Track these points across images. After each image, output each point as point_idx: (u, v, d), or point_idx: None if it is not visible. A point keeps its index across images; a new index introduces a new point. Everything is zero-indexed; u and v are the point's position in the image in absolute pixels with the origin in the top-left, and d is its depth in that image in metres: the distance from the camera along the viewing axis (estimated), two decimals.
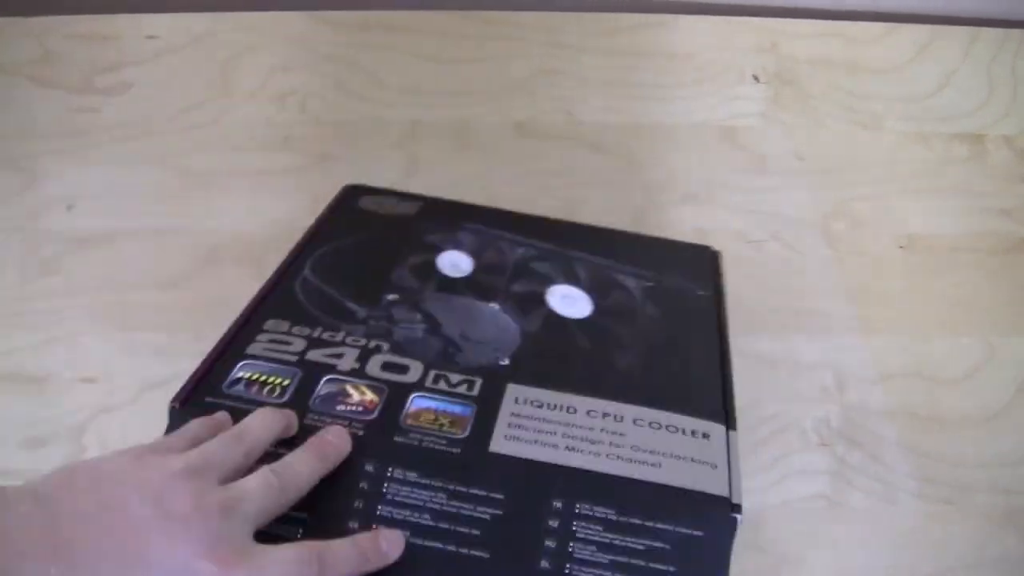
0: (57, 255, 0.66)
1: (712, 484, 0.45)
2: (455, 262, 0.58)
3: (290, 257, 0.58)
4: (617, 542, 0.43)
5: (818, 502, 0.59)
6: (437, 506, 0.43)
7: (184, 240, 0.67)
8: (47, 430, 0.59)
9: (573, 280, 0.58)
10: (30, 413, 0.58)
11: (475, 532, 0.43)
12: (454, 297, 0.55)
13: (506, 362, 0.51)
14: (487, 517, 0.43)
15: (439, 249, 0.59)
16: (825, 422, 0.62)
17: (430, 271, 0.57)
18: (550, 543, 0.43)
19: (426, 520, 0.43)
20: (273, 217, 0.68)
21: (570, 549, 0.43)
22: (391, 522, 0.43)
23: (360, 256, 0.58)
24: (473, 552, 0.42)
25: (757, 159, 0.75)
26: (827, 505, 0.59)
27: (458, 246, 0.59)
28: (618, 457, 0.46)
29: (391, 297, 0.54)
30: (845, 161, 0.75)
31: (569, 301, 0.56)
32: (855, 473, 0.60)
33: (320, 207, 0.63)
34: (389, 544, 0.41)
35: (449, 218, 0.62)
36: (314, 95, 0.76)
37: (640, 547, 0.43)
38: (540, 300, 0.56)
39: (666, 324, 0.56)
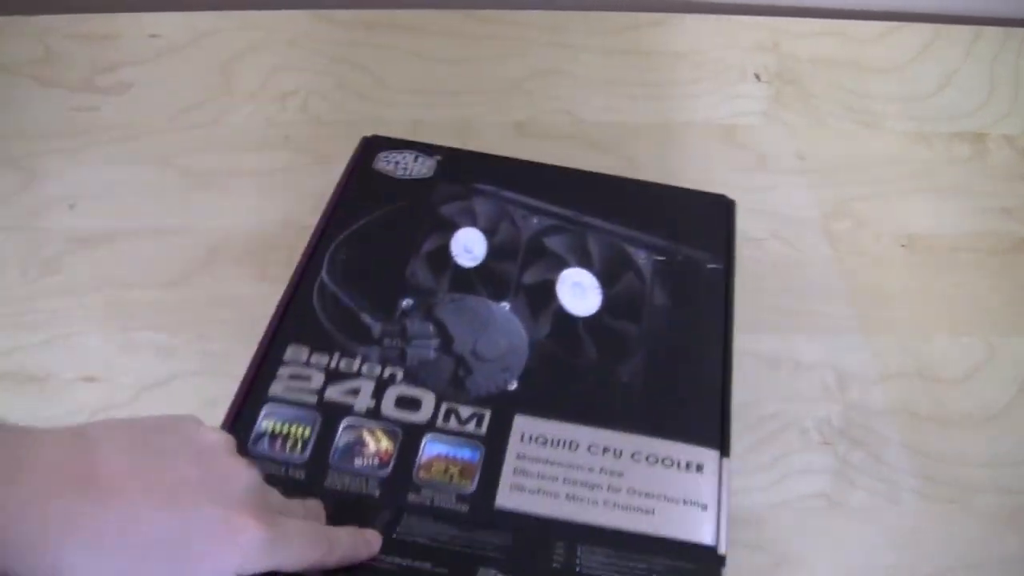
0: (58, 254, 0.66)
1: (701, 532, 0.49)
2: (468, 246, 0.58)
3: (310, 248, 0.58)
4: (619, 562, 0.47)
5: (819, 501, 0.59)
6: (449, 536, 0.47)
7: (185, 240, 0.68)
8: None
9: (585, 261, 0.58)
10: (31, 413, 0.58)
11: (489, 546, 0.47)
12: (466, 299, 0.56)
13: (514, 386, 0.53)
14: (497, 542, 0.47)
15: (454, 226, 0.59)
16: (826, 421, 0.62)
17: (444, 261, 0.58)
18: (558, 557, 0.47)
19: (441, 537, 0.47)
20: (274, 217, 0.68)
21: (577, 562, 0.47)
22: (409, 537, 0.47)
23: (376, 246, 0.59)
24: (488, 554, 0.46)
25: (758, 158, 0.75)
26: (828, 504, 0.59)
27: (472, 219, 0.60)
28: (615, 505, 0.49)
29: (405, 304, 0.56)
30: (846, 160, 0.75)
31: (579, 291, 0.57)
32: (856, 472, 0.60)
33: (321, 207, 0.63)
34: (373, 537, 0.46)
35: (464, 179, 0.62)
36: (315, 94, 0.76)
37: (640, 568, 0.47)
38: (550, 292, 0.57)
39: (674, 318, 0.57)
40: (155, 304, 0.64)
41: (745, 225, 0.71)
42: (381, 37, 0.80)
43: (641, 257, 0.59)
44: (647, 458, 0.51)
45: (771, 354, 0.64)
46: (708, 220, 0.63)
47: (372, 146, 0.64)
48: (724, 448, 0.52)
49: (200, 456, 0.37)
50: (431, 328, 0.55)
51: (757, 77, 0.79)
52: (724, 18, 0.83)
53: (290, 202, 0.68)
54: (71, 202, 0.69)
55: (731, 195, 0.72)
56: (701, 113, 0.77)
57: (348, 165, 0.63)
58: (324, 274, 0.56)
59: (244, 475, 0.38)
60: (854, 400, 0.63)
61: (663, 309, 0.57)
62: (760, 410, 0.62)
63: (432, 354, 0.54)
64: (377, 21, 0.81)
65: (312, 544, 0.40)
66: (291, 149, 0.72)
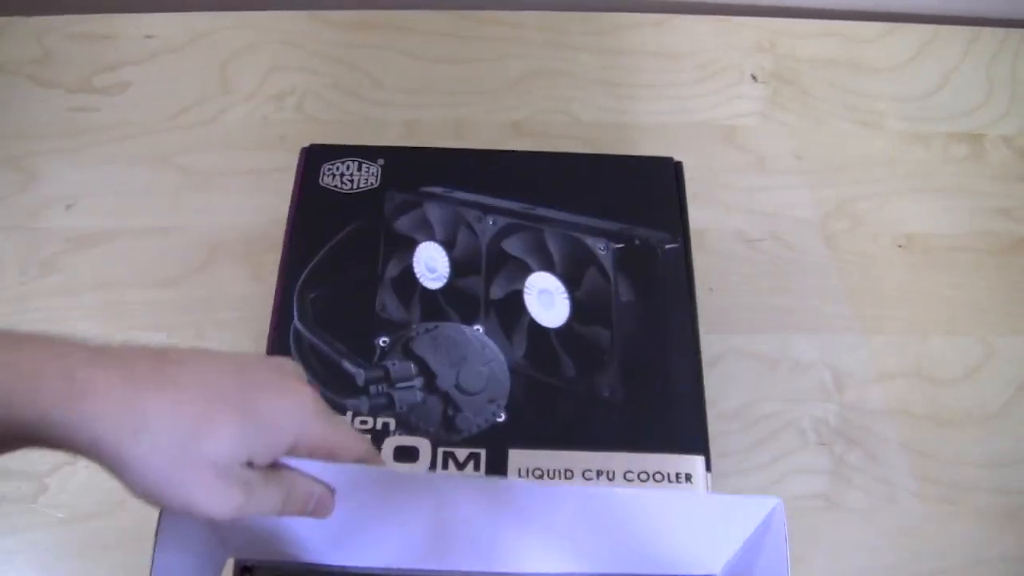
0: (56, 254, 0.66)
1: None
2: (431, 264, 0.58)
3: (278, 291, 0.57)
4: None
5: (817, 501, 0.59)
6: None
7: (183, 239, 0.68)
8: None
9: (546, 262, 0.58)
10: None
11: None
12: (440, 328, 0.56)
13: (503, 417, 0.53)
14: None
15: (412, 242, 0.59)
16: (824, 421, 0.62)
17: (410, 286, 0.57)
18: None
19: None
20: (271, 216, 0.68)
21: None
22: None
23: (340, 278, 0.58)
24: None
25: (756, 159, 0.75)
26: (826, 504, 0.59)
27: (429, 231, 0.59)
28: None
29: (383, 342, 0.55)
30: (844, 160, 0.75)
31: (547, 299, 0.57)
32: (854, 472, 0.60)
33: None
34: None
35: (411, 183, 0.61)
36: (312, 94, 0.76)
37: None
38: (519, 305, 0.57)
39: (642, 314, 0.56)
40: (153, 303, 0.64)
41: (744, 225, 0.71)
42: (378, 37, 0.80)
43: (600, 248, 0.58)
44: (639, 475, 0.51)
45: (769, 354, 0.65)
46: (659, 188, 0.62)
47: (314, 157, 0.63)
48: (706, 453, 0.52)
49: (256, 354, 0.42)
50: (412, 368, 0.54)
51: (754, 78, 0.79)
52: (721, 19, 0.83)
53: (287, 202, 0.68)
54: (69, 202, 0.69)
55: (729, 196, 0.72)
56: (699, 114, 0.77)
57: (295, 183, 0.62)
58: (296, 321, 0.55)
59: (296, 366, 0.41)
60: (852, 400, 0.63)
61: (631, 306, 0.57)
62: (758, 410, 0.62)
63: (419, 396, 0.53)
64: (374, 21, 0.81)
65: (361, 436, 0.42)
66: (287, 149, 0.72)
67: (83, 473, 0.58)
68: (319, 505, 0.40)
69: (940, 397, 0.64)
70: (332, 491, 0.40)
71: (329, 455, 0.39)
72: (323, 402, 0.40)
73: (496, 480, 0.48)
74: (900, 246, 0.71)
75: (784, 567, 0.40)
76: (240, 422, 0.35)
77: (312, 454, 0.39)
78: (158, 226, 0.68)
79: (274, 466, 0.38)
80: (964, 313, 0.68)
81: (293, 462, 0.38)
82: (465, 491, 0.43)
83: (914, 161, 0.75)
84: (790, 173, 0.74)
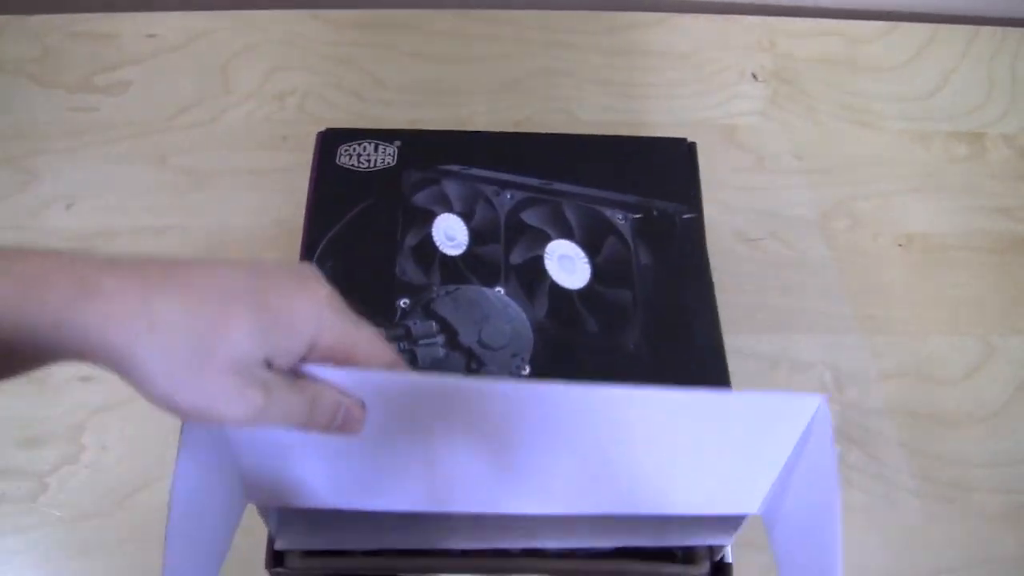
0: None
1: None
2: (450, 233, 0.58)
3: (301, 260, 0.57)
4: None
5: None
6: None
7: (183, 239, 0.68)
8: (45, 429, 0.59)
9: (566, 231, 0.58)
10: (28, 412, 0.58)
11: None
12: (461, 289, 0.56)
13: (527, 371, 0.53)
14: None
15: (431, 214, 0.59)
16: None
17: (430, 253, 0.57)
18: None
19: None
20: (272, 216, 0.68)
21: None
22: None
23: (359, 248, 0.58)
24: None
25: (756, 158, 0.75)
26: None
27: (447, 205, 0.59)
28: None
29: (403, 304, 0.55)
30: (844, 160, 0.75)
31: (567, 264, 0.57)
32: (854, 472, 0.60)
33: None
34: None
35: (429, 162, 0.61)
36: (313, 94, 0.76)
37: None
38: (540, 270, 0.57)
39: (661, 276, 0.57)
40: None
41: (744, 225, 0.71)
42: (379, 37, 0.80)
43: (619, 218, 0.58)
44: None
45: (769, 354, 0.65)
46: (674, 167, 0.62)
47: (331, 139, 0.62)
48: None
49: (273, 259, 0.39)
50: (434, 325, 0.54)
51: (754, 77, 0.79)
52: (721, 18, 0.83)
53: (288, 202, 0.68)
54: (69, 202, 0.69)
55: (729, 195, 0.72)
56: (699, 113, 0.77)
57: (313, 165, 0.62)
58: None
59: (315, 269, 0.39)
60: (852, 400, 0.63)
61: (650, 269, 0.57)
62: None
63: (441, 352, 0.53)
64: (375, 21, 0.81)
65: (387, 345, 0.39)
66: (289, 149, 0.72)
67: (83, 473, 0.58)
68: (348, 418, 0.38)
69: (940, 397, 0.64)
70: (362, 405, 0.38)
71: (349, 356, 0.37)
72: (343, 301, 0.38)
73: (522, 384, 0.43)
74: (900, 245, 0.71)
75: (833, 469, 0.37)
76: (255, 319, 0.34)
77: (332, 355, 0.37)
78: (158, 226, 0.68)
79: (297, 375, 0.36)
80: (964, 313, 0.68)
81: (317, 370, 0.37)
82: (486, 403, 0.40)
83: (914, 161, 0.75)
84: (790, 172, 0.74)
